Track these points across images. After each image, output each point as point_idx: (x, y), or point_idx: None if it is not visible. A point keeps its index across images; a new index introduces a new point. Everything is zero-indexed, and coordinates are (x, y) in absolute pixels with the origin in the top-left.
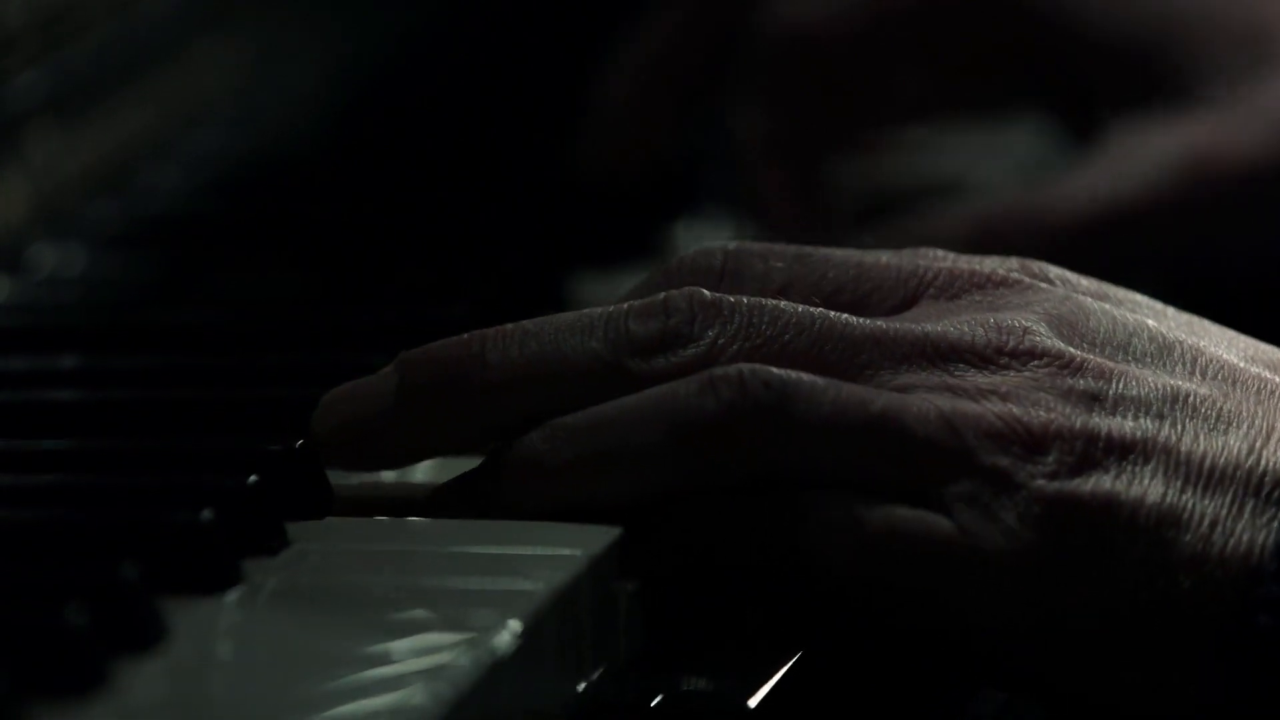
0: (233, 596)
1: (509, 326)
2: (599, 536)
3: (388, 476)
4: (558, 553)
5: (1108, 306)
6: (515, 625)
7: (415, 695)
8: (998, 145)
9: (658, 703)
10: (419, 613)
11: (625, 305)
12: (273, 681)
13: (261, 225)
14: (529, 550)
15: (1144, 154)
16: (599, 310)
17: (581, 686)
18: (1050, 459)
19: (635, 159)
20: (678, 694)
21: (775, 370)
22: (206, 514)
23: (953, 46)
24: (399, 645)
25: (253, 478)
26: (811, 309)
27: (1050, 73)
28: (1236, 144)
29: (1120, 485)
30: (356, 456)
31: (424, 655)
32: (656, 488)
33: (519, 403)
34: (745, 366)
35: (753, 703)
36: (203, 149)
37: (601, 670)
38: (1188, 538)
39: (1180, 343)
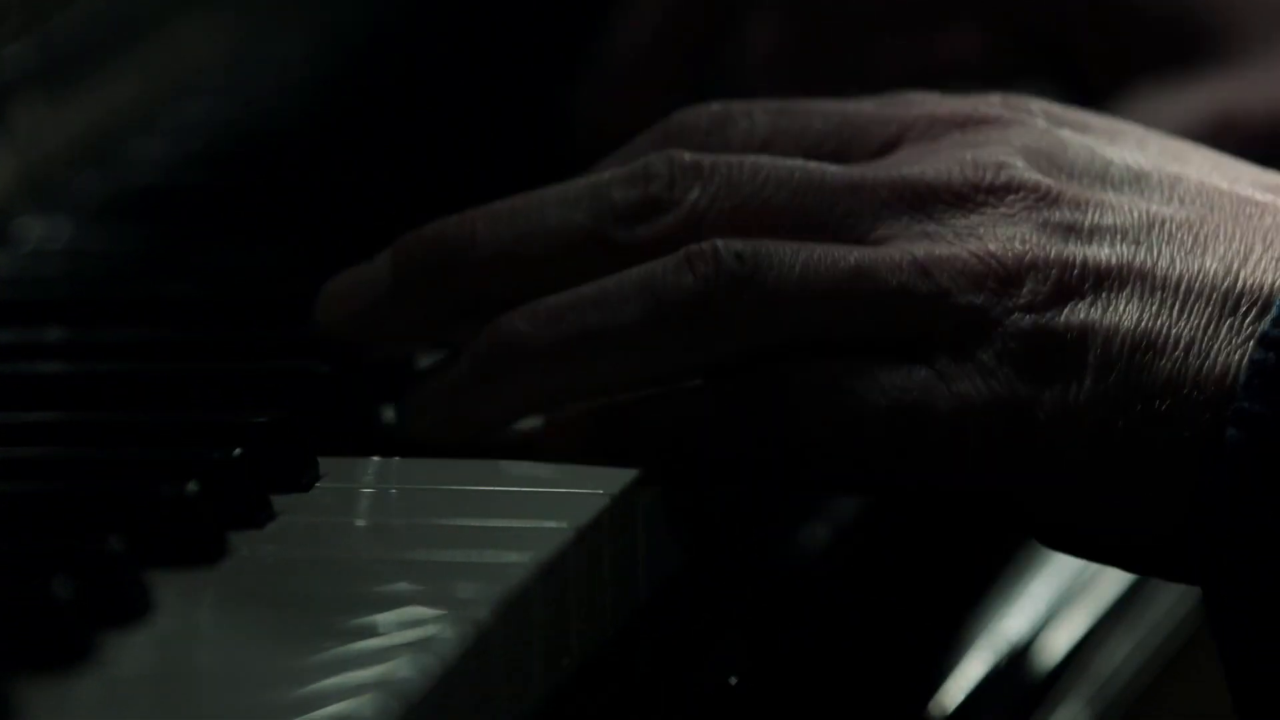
0: (219, 569)
1: (498, 204)
2: (586, 506)
3: None
4: (544, 523)
5: (1087, 139)
6: (499, 598)
7: (401, 668)
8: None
9: (643, 676)
10: (405, 585)
11: (608, 174)
12: (259, 654)
13: (248, 198)
14: (514, 522)
15: (1170, 110)
16: (583, 181)
17: (566, 660)
18: (1025, 290)
19: (641, 123)
20: (662, 668)
21: (745, 242)
22: (192, 486)
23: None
24: (385, 618)
25: (238, 450)
26: (789, 161)
27: (1085, 35)
28: (1265, 102)
29: (1095, 313)
30: (360, 337)
31: (410, 628)
32: (641, 370)
33: (510, 277)
34: (720, 241)
35: (733, 679)
36: (190, 121)
37: (585, 642)
38: (1164, 361)
39: (1159, 169)
